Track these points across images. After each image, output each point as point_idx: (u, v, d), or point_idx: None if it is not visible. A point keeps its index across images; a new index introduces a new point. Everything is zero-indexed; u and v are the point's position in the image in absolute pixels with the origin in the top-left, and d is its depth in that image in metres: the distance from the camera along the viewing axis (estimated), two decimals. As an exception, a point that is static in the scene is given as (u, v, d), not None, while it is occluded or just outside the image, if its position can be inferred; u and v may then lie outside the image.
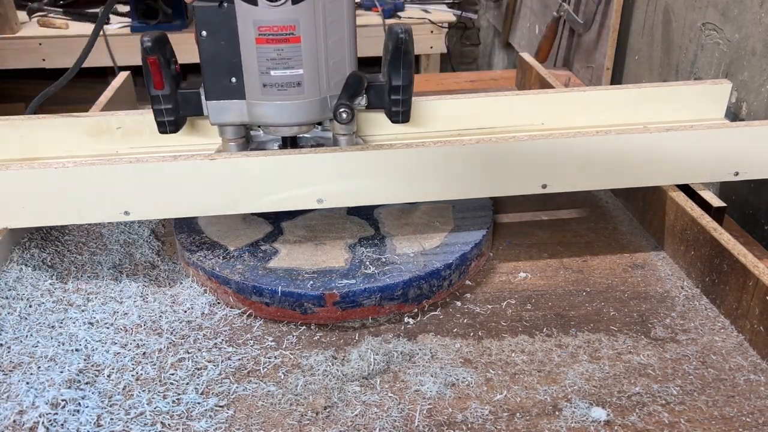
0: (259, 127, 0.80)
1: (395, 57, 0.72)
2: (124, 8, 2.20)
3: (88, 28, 2.11)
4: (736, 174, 0.79)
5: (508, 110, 0.92)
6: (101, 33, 1.98)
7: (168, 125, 0.75)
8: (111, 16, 2.16)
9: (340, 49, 0.72)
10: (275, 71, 0.70)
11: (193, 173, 0.70)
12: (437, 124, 0.92)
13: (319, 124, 0.80)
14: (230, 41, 0.69)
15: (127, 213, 0.71)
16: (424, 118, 0.91)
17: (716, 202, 0.77)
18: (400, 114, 0.76)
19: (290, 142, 0.79)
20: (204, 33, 0.69)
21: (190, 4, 0.69)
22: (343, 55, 0.72)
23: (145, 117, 0.89)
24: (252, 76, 0.71)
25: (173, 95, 0.73)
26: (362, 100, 0.75)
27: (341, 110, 0.71)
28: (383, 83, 0.75)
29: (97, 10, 2.09)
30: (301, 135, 0.79)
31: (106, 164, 0.69)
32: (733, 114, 0.99)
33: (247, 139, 0.80)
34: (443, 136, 0.91)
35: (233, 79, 0.71)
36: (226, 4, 0.68)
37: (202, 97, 0.74)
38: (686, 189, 0.80)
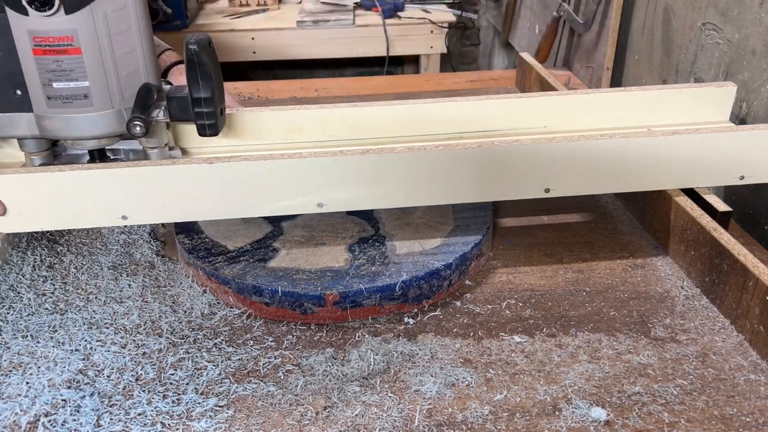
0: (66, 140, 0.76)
1: (191, 68, 0.69)
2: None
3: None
4: (742, 178, 0.77)
5: (510, 113, 0.92)
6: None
7: None
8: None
9: (132, 60, 0.69)
10: (57, 83, 0.67)
11: (191, 177, 0.70)
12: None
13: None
14: (8, 51, 0.67)
15: (124, 217, 0.70)
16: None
17: (722, 206, 0.76)
18: (206, 126, 0.72)
19: (98, 155, 0.76)
20: None
21: None
22: (137, 66, 0.70)
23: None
24: (35, 88, 0.68)
25: None
26: (160, 113, 0.72)
27: (134, 123, 0.69)
28: (185, 95, 0.71)
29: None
30: (109, 147, 0.76)
31: (102, 168, 0.68)
32: (733, 114, 0.99)
33: (53, 152, 0.76)
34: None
35: (18, 92, 0.69)
36: None
37: None
38: (691, 193, 0.80)
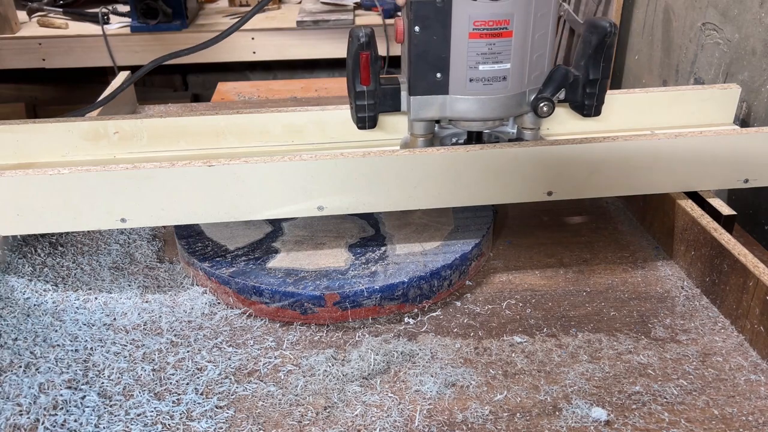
0: (445, 121, 0.79)
1: (598, 51, 0.72)
2: (124, 8, 2.20)
3: (88, 28, 2.10)
4: (746, 181, 0.77)
5: None
6: (101, 33, 1.98)
7: (368, 121, 0.75)
8: (111, 16, 2.16)
9: (543, 43, 0.72)
10: (483, 66, 0.70)
11: (190, 180, 0.69)
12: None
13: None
14: (442, 36, 0.69)
15: (123, 220, 0.70)
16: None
17: (726, 210, 0.76)
18: (593, 108, 0.75)
19: (476, 138, 0.78)
20: (418, 28, 0.69)
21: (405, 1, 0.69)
22: (545, 48, 0.72)
23: (143, 122, 0.88)
24: (459, 71, 0.70)
25: (377, 91, 0.73)
26: (561, 94, 0.74)
27: (542, 104, 0.71)
28: (578, 76, 0.74)
29: (97, 10, 2.09)
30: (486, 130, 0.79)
31: (101, 171, 0.68)
32: (733, 114, 0.99)
33: (433, 134, 0.79)
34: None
35: (438, 75, 0.71)
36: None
37: (403, 93, 0.74)
38: (694, 196, 0.79)
